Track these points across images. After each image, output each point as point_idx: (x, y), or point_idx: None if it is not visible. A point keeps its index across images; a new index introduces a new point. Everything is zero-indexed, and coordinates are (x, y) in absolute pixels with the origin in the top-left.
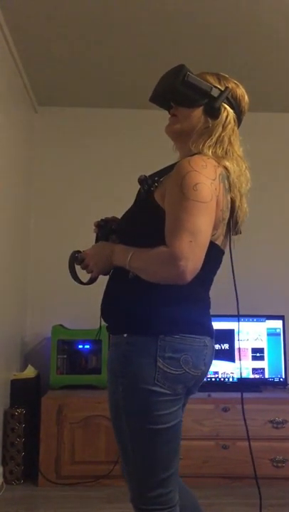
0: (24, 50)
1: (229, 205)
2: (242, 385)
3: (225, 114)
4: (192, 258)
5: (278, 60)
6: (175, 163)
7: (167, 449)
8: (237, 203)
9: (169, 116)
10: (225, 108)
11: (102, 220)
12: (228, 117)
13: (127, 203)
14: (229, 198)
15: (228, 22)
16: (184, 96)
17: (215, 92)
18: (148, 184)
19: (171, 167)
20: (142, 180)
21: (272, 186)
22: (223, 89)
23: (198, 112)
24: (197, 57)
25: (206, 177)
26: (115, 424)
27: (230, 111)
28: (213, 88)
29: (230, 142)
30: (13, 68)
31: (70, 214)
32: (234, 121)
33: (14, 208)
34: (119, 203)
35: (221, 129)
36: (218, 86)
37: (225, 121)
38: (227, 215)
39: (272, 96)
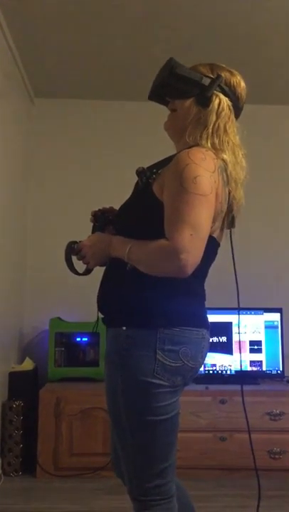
0: (21, 40)
1: (227, 198)
2: (242, 378)
3: (217, 102)
4: (193, 251)
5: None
6: (173, 155)
7: (165, 440)
8: (232, 194)
9: (169, 112)
10: (217, 95)
11: (99, 209)
12: (221, 104)
13: (124, 194)
14: (227, 191)
15: (225, 12)
16: (173, 88)
17: (206, 81)
18: (146, 176)
19: (169, 159)
20: (140, 172)
21: (271, 178)
22: (215, 77)
23: (190, 103)
24: (196, 48)
25: (206, 169)
26: (113, 416)
27: (224, 98)
28: (204, 77)
29: (225, 130)
30: (10, 59)
31: (67, 206)
32: (229, 108)
33: (11, 200)
34: (117, 194)
35: (214, 117)
36: (210, 75)
37: (218, 109)
38: (225, 207)
39: (268, 88)
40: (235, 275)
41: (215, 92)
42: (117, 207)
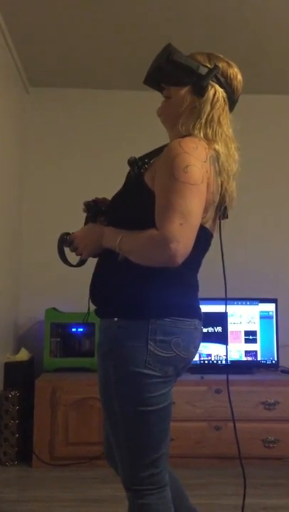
0: (16, 30)
1: (219, 189)
2: (229, 368)
3: (212, 92)
4: (183, 240)
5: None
6: (165, 145)
7: (158, 430)
8: (224, 186)
9: (163, 98)
10: (212, 86)
11: (92, 200)
12: (216, 95)
13: (120, 184)
14: (219, 182)
15: (226, 3)
16: (170, 75)
17: (202, 70)
18: (138, 166)
19: (161, 149)
20: (132, 162)
21: (269, 169)
22: (212, 67)
23: (186, 91)
24: (194, 38)
25: (197, 159)
26: (106, 406)
27: (220, 89)
28: (201, 66)
29: (219, 122)
30: (5, 48)
31: (62, 197)
32: (224, 100)
33: (6, 191)
34: (112, 185)
35: (209, 107)
36: (207, 64)
37: (213, 99)
38: (217, 198)
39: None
40: (223, 265)
41: (211, 82)
42: (111, 197)
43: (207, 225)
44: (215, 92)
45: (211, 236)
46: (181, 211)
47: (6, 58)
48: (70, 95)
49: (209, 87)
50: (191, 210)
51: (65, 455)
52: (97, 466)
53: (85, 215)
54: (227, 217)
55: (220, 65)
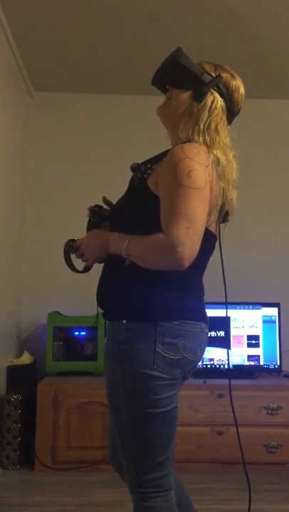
0: (20, 34)
1: (221, 192)
2: (231, 372)
3: (211, 99)
4: (189, 244)
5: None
6: (167, 150)
7: (164, 432)
8: (225, 193)
9: (165, 99)
10: (212, 93)
11: (96, 205)
12: (215, 103)
13: (122, 189)
14: (221, 185)
15: (229, 8)
16: (173, 76)
17: (205, 78)
18: (141, 171)
19: (163, 154)
20: (135, 168)
21: (269, 172)
22: (215, 76)
23: (186, 95)
24: (198, 43)
25: (200, 163)
26: (113, 408)
27: (219, 98)
28: (205, 74)
29: (216, 130)
30: (9, 53)
31: (65, 200)
32: (222, 109)
33: (9, 194)
34: (115, 189)
35: (206, 114)
36: (212, 73)
37: (211, 107)
38: (220, 201)
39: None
40: (223, 269)
41: (211, 90)
42: (114, 201)
43: (211, 228)
44: (213, 100)
45: (216, 238)
46: (186, 215)
47: (10, 63)
48: (74, 100)
49: (208, 94)
50: (196, 214)
51: (67, 459)
52: (99, 471)
53: (87, 219)
54: (228, 221)
55: (224, 75)
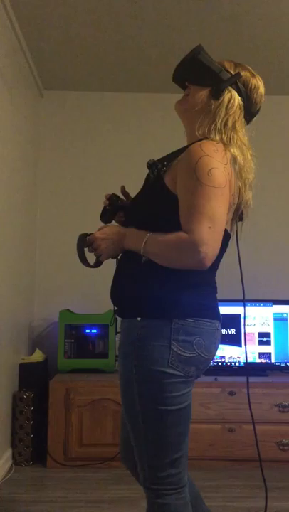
0: (30, 34)
1: (238, 191)
2: (248, 370)
3: (228, 97)
4: (212, 244)
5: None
6: (184, 148)
7: (179, 430)
8: (241, 192)
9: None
10: (229, 91)
11: (114, 194)
12: (232, 101)
13: (135, 186)
14: (238, 184)
15: (239, 4)
16: (192, 73)
17: (224, 75)
18: (157, 169)
19: (180, 151)
20: (151, 165)
21: (283, 170)
22: (234, 74)
23: (204, 92)
24: (207, 41)
25: (219, 162)
26: (126, 405)
27: (236, 96)
28: (223, 71)
29: (234, 128)
30: (20, 53)
31: (76, 199)
32: (240, 107)
33: (20, 194)
34: (127, 187)
35: (224, 111)
36: (231, 71)
37: (228, 104)
38: (236, 199)
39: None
40: (240, 267)
41: (229, 88)
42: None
43: (227, 226)
44: (231, 98)
45: (230, 237)
46: (208, 215)
47: (20, 62)
48: (84, 98)
49: (226, 92)
50: (218, 213)
51: (79, 456)
52: (111, 467)
53: (103, 207)
54: (242, 220)
55: (243, 74)
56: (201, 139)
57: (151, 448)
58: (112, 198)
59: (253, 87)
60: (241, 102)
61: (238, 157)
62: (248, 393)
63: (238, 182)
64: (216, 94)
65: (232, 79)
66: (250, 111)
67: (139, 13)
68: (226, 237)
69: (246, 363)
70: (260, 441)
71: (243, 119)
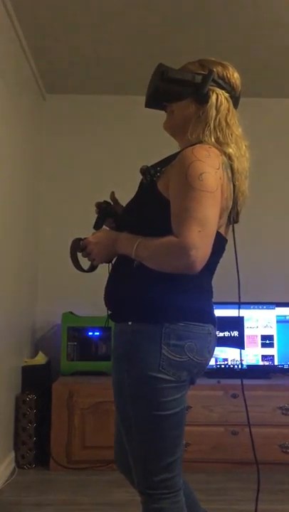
0: (33, 37)
1: (232, 194)
2: (246, 372)
3: (214, 97)
4: (202, 248)
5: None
6: (177, 153)
7: (172, 434)
8: (238, 186)
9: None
10: (213, 90)
11: (104, 201)
12: (219, 98)
13: (133, 191)
14: (232, 187)
15: (229, 5)
16: (169, 92)
17: (198, 79)
18: (150, 174)
19: (173, 156)
20: (145, 171)
21: (284, 170)
22: (206, 73)
23: (188, 103)
24: (203, 42)
25: (211, 166)
26: (120, 410)
27: (221, 91)
28: (196, 75)
29: (227, 123)
30: (22, 56)
31: (79, 201)
32: (227, 100)
33: (23, 196)
34: (126, 191)
35: (214, 112)
36: (202, 72)
37: (216, 104)
38: (230, 203)
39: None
40: (237, 269)
41: (210, 87)
42: (126, 202)
43: (221, 230)
44: (217, 96)
45: (225, 241)
46: (198, 218)
47: (22, 65)
48: (87, 102)
49: (211, 93)
50: (208, 217)
51: (82, 458)
52: (114, 470)
53: (96, 216)
54: (238, 222)
55: (214, 69)
56: (195, 143)
57: (144, 452)
58: (100, 205)
59: (229, 75)
60: (227, 94)
61: (234, 153)
62: (244, 396)
63: (231, 184)
64: (201, 99)
65: (208, 79)
66: (235, 97)
67: (143, 16)
68: (222, 241)
69: (241, 365)
70: (263, 444)
71: (233, 110)
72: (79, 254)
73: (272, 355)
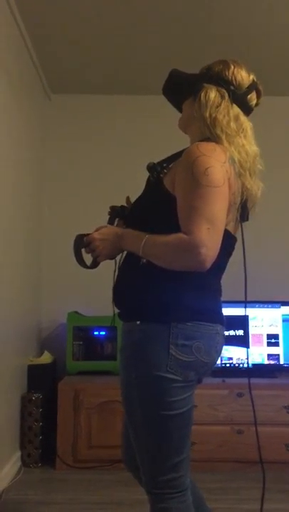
0: (38, 37)
1: (240, 189)
2: (251, 371)
3: (203, 94)
4: (211, 245)
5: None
6: (183, 150)
7: (180, 434)
8: (245, 184)
9: None
10: (204, 87)
11: (121, 206)
12: (208, 95)
13: (139, 188)
14: (240, 182)
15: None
16: (177, 94)
17: (193, 78)
18: (157, 171)
19: (179, 153)
20: (151, 168)
21: (284, 168)
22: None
23: (189, 102)
24: (210, 44)
25: (216, 160)
26: (127, 409)
27: (213, 88)
28: (194, 75)
29: (216, 118)
30: (27, 56)
31: (83, 200)
32: (218, 96)
33: (27, 196)
34: (133, 190)
35: (205, 108)
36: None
37: (205, 99)
38: (239, 199)
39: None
40: (245, 268)
41: (204, 85)
42: (131, 201)
43: (229, 227)
44: (206, 93)
45: (235, 239)
46: (206, 216)
47: (27, 65)
48: (92, 101)
49: (201, 90)
50: (216, 213)
51: (88, 458)
52: (120, 469)
53: (107, 211)
54: (248, 220)
55: (215, 68)
56: (201, 140)
57: (151, 452)
58: (114, 208)
59: (226, 73)
60: (223, 91)
61: (236, 149)
62: (251, 395)
63: (240, 180)
64: (194, 97)
65: (198, 78)
66: (238, 93)
67: (145, 16)
68: (230, 239)
69: (248, 364)
70: (269, 443)
71: (229, 105)
72: (83, 251)
73: (278, 354)
